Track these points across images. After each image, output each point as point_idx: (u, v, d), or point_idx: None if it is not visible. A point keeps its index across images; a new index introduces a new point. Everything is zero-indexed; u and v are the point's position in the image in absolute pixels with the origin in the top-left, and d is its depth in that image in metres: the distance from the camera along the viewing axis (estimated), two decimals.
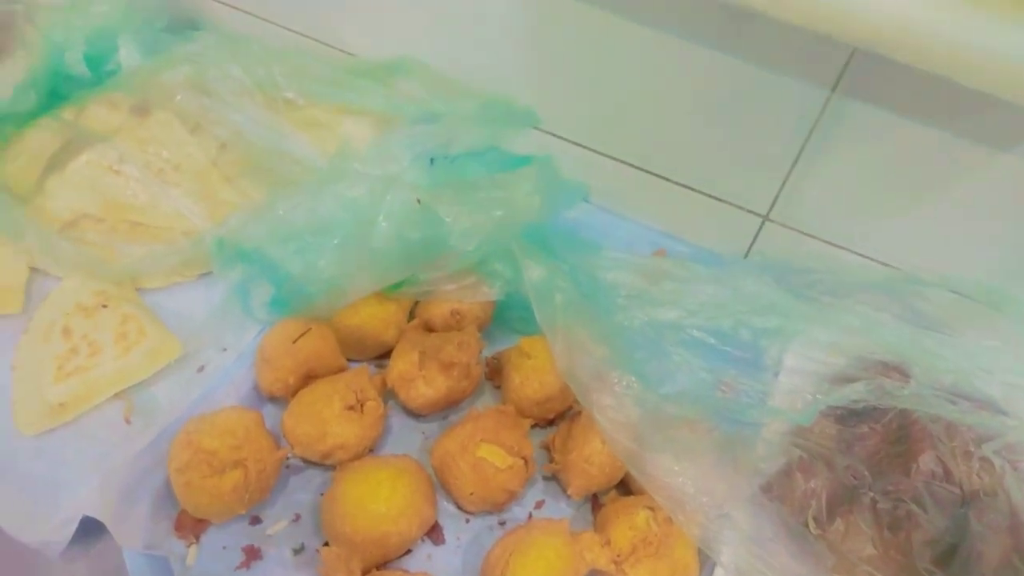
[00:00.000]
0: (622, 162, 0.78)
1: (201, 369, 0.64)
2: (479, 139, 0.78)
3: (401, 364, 0.59)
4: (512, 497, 0.56)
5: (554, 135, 0.79)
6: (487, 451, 0.55)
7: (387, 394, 0.61)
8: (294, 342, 0.59)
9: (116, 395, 0.60)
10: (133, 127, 0.75)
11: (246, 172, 0.75)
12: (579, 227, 0.75)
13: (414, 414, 0.62)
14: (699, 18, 0.64)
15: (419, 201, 0.56)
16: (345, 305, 0.60)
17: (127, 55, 0.79)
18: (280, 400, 0.61)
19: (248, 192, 0.74)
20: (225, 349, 0.64)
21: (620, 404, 0.57)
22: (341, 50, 0.84)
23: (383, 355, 0.65)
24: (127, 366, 0.61)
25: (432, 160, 0.74)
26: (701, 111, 0.71)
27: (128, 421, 0.60)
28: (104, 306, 0.64)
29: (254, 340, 0.64)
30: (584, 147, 0.78)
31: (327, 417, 0.56)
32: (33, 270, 0.67)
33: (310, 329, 0.60)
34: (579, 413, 0.58)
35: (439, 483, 0.57)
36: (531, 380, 0.59)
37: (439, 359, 0.58)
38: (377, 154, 0.72)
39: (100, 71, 0.79)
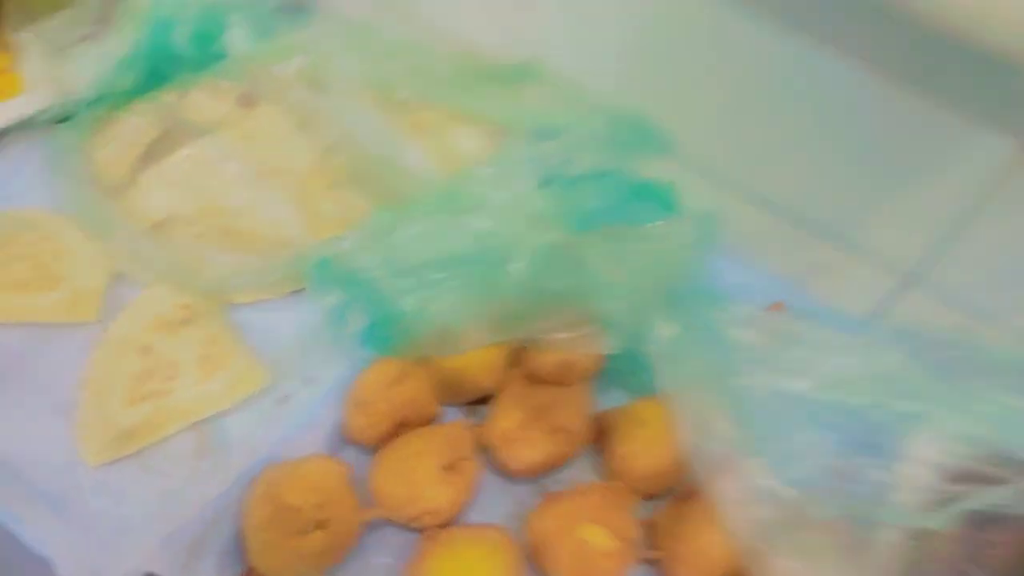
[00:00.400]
0: (749, 199, 0.68)
1: (283, 401, 0.58)
2: (603, 161, 0.70)
3: (504, 422, 0.52)
4: None
5: (678, 162, 0.70)
6: (590, 532, 0.48)
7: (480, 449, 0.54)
8: (391, 387, 0.53)
9: (190, 425, 0.55)
10: (237, 120, 0.69)
11: (350, 180, 0.68)
12: None
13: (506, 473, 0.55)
14: (884, 48, 0.55)
15: (563, 247, 0.49)
16: (455, 353, 0.53)
17: (236, 37, 0.73)
18: (364, 446, 0.55)
19: (350, 203, 0.67)
20: (310, 381, 0.58)
21: (748, 495, 0.49)
22: (464, 44, 0.76)
23: (476, 400, 0.58)
24: (207, 394, 0.56)
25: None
26: (859, 152, 0.62)
27: (201, 457, 0.54)
28: (188, 322, 0.59)
29: (343, 375, 0.58)
30: (709, 178, 0.69)
31: (420, 478, 0.49)
32: (114, 273, 0.62)
33: (408, 373, 0.53)
34: (691, 493, 0.50)
35: (532, 561, 0.50)
36: (643, 452, 0.52)
37: (548, 422, 0.51)
38: (498, 175, 0.64)
39: (206, 52, 0.74)
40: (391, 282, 0.52)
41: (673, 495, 0.52)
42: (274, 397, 0.58)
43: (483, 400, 0.57)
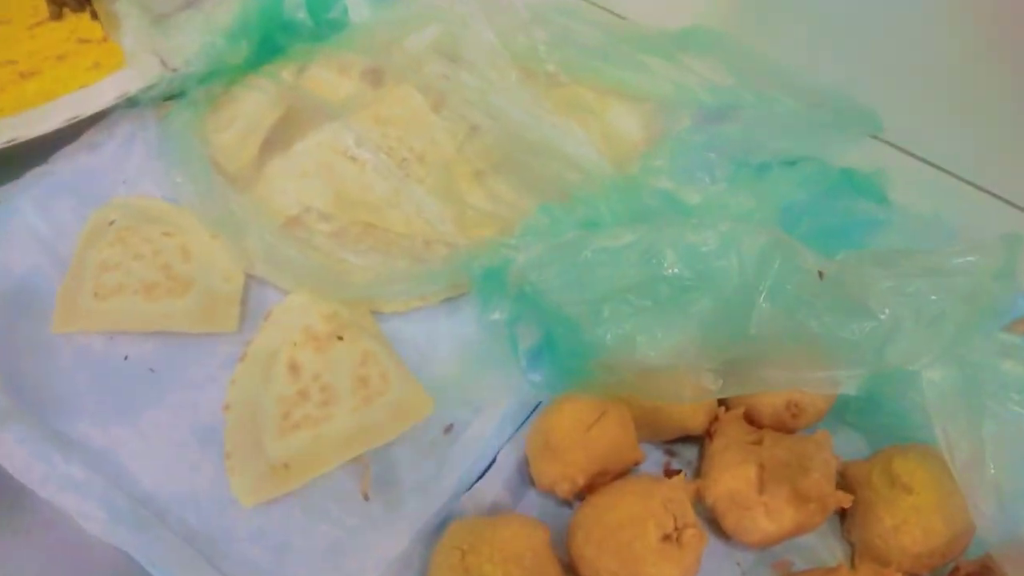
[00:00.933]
0: (987, 192, 0.58)
1: (448, 430, 0.50)
2: (795, 146, 0.60)
3: (731, 480, 0.44)
4: None
5: (893, 145, 0.60)
6: None
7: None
8: (589, 431, 0.45)
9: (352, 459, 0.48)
10: (368, 100, 0.60)
11: (499, 168, 0.60)
12: None
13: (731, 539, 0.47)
14: None
15: (821, 275, 0.39)
16: (671, 399, 0.45)
17: (356, 5, 0.64)
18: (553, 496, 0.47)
19: (501, 195, 0.59)
20: (478, 409, 0.51)
21: None
22: (615, 13, 0.66)
23: (676, 440, 0.51)
24: (367, 423, 0.49)
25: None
26: None
27: (366, 496, 0.47)
28: (340, 338, 0.51)
29: (516, 405, 0.50)
30: (935, 166, 0.59)
31: (639, 551, 0.41)
32: (248, 276, 0.55)
33: (607, 413, 0.45)
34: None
35: None
36: (911, 526, 0.42)
37: (793, 487, 0.42)
38: (676, 167, 0.55)
39: (322, 21, 0.65)
40: (584, 307, 0.43)
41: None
42: (439, 426, 0.51)
43: (684, 440, 0.50)
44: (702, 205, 0.50)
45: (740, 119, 0.61)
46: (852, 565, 0.46)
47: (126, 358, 0.52)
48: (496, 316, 0.51)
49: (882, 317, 0.37)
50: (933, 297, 0.38)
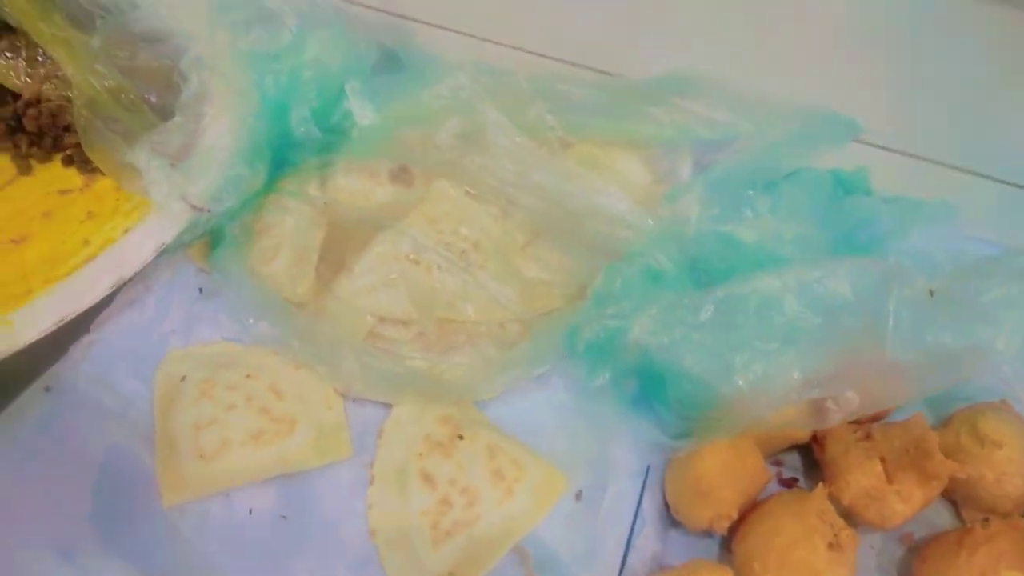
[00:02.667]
0: (966, 171, 0.66)
1: (579, 496, 0.53)
2: (790, 161, 0.67)
3: (863, 478, 0.49)
4: None
5: (871, 144, 0.68)
6: None
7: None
8: (732, 470, 0.49)
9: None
10: (409, 201, 0.61)
11: (540, 235, 0.62)
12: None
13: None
14: None
15: (932, 293, 0.45)
16: (812, 427, 0.49)
17: (359, 106, 0.65)
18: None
19: (551, 262, 0.62)
20: (600, 469, 0.53)
21: None
22: (604, 71, 0.70)
23: (781, 451, 0.55)
24: (515, 512, 0.50)
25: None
26: None
27: None
28: (460, 437, 0.52)
29: (635, 457, 0.53)
30: (917, 157, 0.67)
31: (816, 564, 0.45)
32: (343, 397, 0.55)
33: (743, 449, 0.49)
34: None
35: None
36: (1010, 475, 0.49)
37: (915, 470, 0.48)
38: (709, 201, 0.60)
39: (327, 129, 0.65)
40: (713, 362, 0.47)
41: None
42: (570, 496, 0.53)
43: (788, 450, 0.55)
44: (760, 241, 0.55)
45: (740, 148, 0.66)
46: (960, 519, 0.53)
47: (251, 512, 0.50)
48: (601, 381, 0.54)
49: (999, 323, 0.43)
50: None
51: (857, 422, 0.53)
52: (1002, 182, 0.64)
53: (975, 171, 0.64)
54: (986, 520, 0.48)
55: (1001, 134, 0.63)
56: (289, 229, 0.59)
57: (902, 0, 0.58)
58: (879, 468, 0.49)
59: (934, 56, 0.62)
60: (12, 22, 0.66)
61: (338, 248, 0.59)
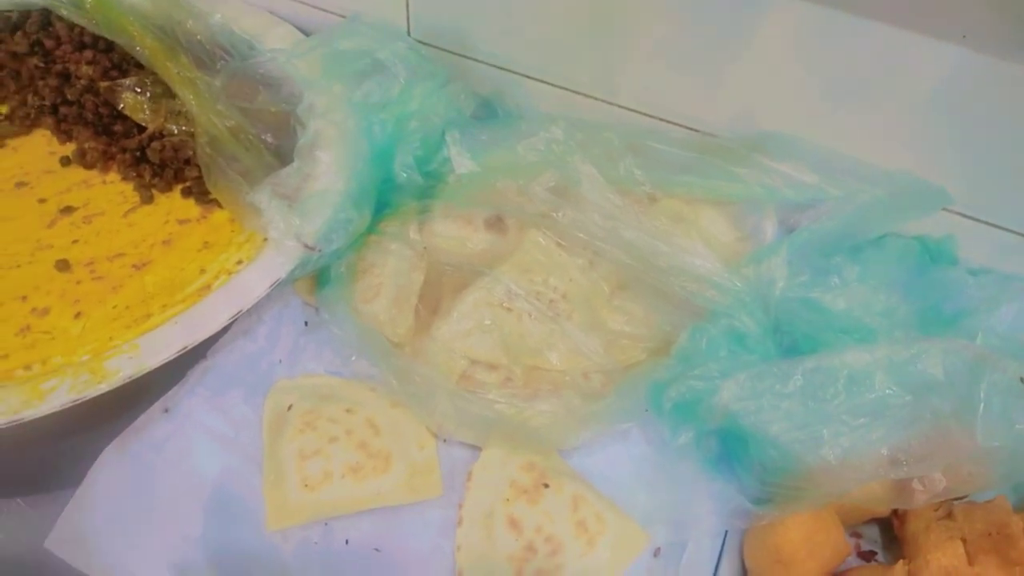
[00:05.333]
0: None
1: (657, 553, 0.54)
2: (878, 228, 0.68)
3: (943, 558, 0.50)
4: None
5: (962, 215, 0.68)
6: None
7: None
8: (814, 540, 0.50)
9: None
10: (502, 249, 0.65)
11: (624, 287, 0.65)
12: None
13: None
14: None
15: (1023, 380, 0.46)
16: (897, 505, 0.50)
17: (458, 155, 0.68)
18: None
19: (635, 315, 0.64)
20: (679, 527, 0.55)
21: None
22: (692, 128, 0.72)
23: (862, 523, 0.56)
24: (595, 565, 0.52)
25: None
26: None
27: None
28: (546, 485, 0.55)
29: (714, 519, 0.54)
30: (1005, 229, 0.67)
31: None
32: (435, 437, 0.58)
33: (825, 520, 0.51)
34: None
35: None
36: None
37: (999, 554, 0.49)
38: (793, 265, 0.61)
39: (425, 173, 0.69)
40: (801, 432, 0.49)
41: None
42: (649, 552, 0.54)
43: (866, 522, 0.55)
44: (848, 308, 0.56)
45: (824, 211, 0.67)
46: None
47: (347, 542, 0.54)
48: (683, 440, 0.55)
49: None
50: None
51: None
52: None
53: None
54: None
55: None
56: (391, 270, 0.63)
57: (996, 69, 0.58)
58: (961, 549, 0.50)
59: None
60: (142, 61, 0.72)
61: (436, 291, 0.63)
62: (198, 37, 0.75)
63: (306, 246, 0.61)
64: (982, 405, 0.45)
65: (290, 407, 0.58)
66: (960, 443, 0.46)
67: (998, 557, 0.49)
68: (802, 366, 0.50)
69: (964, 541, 0.50)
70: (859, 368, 0.48)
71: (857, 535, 0.56)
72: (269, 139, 0.69)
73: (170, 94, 0.73)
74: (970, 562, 0.50)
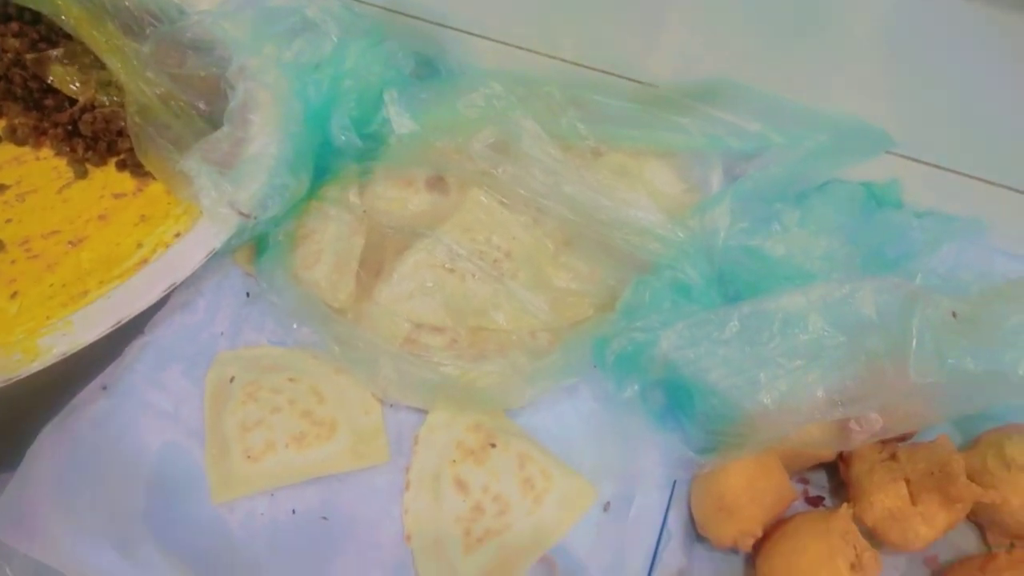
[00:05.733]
0: (1006, 187, 0.66)
1: (607, 507, 0.54)
2: (821, 173, 0.67)
3: (887, 499, 0.50)
4: None
5: (904, 156, 0.67)
6: None
7: None
8: (756, 486, 0.50)
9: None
10: (444, 210, 0.63)
11: (569, 244, 0.64)
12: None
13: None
14: None
15: (955, 315, 0.46)
16: (836, 447, 0.51)
17: (397, 115, 0.67)
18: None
19: (581, 272, 0.63)
20: (628, 481, 0.55)
21: None
22: (636, 80, 0.71)
23: (807, 469, 0.56)
24: (543, 522, 0.52)
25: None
26: None
27: None
28: (493, 445, 0.54)
29: (660, 470, 0.54)
30: (951, 170, 0.67)
31: None
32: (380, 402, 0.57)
33: (767, 465, 0.51)
34: None
35: None
36: None
37: (940, 492, 0.49)
38: (737, 214, 0.61)
39: (363, 136, 0.67)
40: (738, 378, 0.48)
41: None
42: (599, 507, 0.54)
43: (814, 468, 0.56)
44: (788, 255, 0.56)
45: (771, 159, 0.67)
46: (985, 542, 0.54)
47: (294, 512, 0.53)
48: (629, 393, 0.55)
49: (1021, 348, 0.44)
50: None
51: (882, 442, 0.54)
52: None
53: (1008, 185, 0.64)
54: (1011, 546, 0.48)
55: None
56: (330, 236, 0.62)
57: (937, 11, 0.58)
58: (904, 490, 0.50)
59: (967, 68, 0.61)
60: (69, 30, 0.69)
61: (377, 255, 0.61)
62: (126, 3, 0.72)
63: (241, 213, 0.59)
64: (914, 342, 0.45)
65: (232, 379, 0.57)
66: (895, 382, 0.46)
67: (940, 495, 0.49)
68: (739, 312, 0.50)
69: (907, 481, 0.51)
70: (794, 311, 0.48)
71: (805, 481, 0.56)
72: (201, 106, 0.67)
73: (100, 64, 0.70)
74: (913, 501, 0.50)
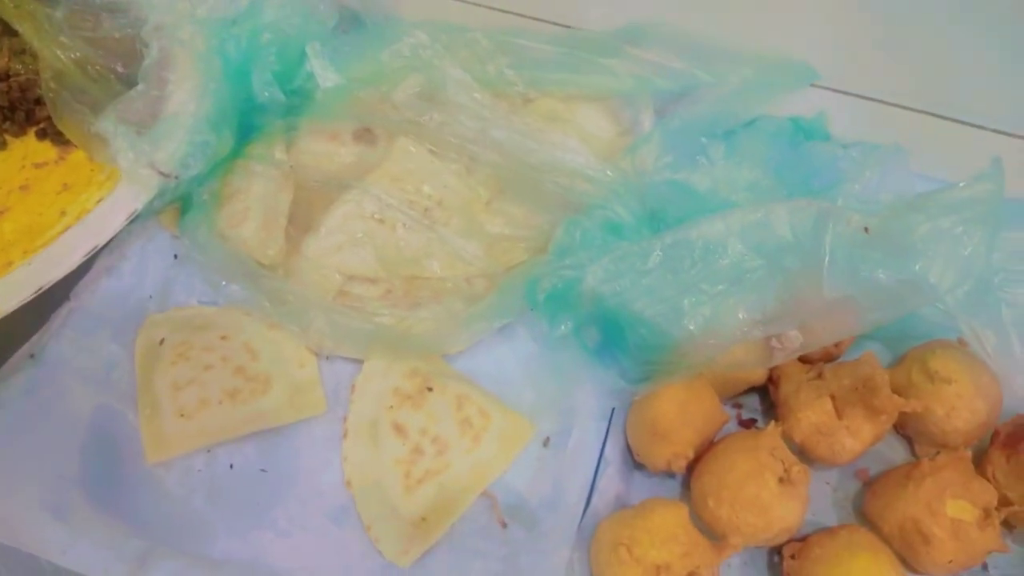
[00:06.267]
0: (927, 113, 0.67)
1: (547, 443, 0.55)
2: (747, 109, 0.68)
3: (813, 415, 0.51)
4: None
5: (833, 89, 0.68)
6: (957, 509, 0.48)
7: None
8: (687, 410, 0.51)
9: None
10: (372, 161, 0.63)
11: (504, 191, 0.64)
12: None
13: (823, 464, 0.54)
14: None
15: (867, 230, 0.46)
16: (758, 366, 0.51)
17: (321, 68, 0.65)
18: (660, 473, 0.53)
19: (516, 217, 0.63)
20: (565, 415, 0.55)
21: None
22: (563, 24, 0.71)
23: (740, 394, 0.57)
24: (483, 459, 0.53)
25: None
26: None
27: (504, 524, 0.52)
28: (429, 389, 0.55)
29: (597, 402, 0.55)
30: (872, 99, 0.67)
31: (767, 499, 0.47)
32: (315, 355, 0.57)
33: (697, 390, 0.51)
34: (1015, 436, 0.51)
35: (900, 551, 0.50)
36: (959, 410, 0.51)
37: (864, 406, 0.50)
38: (666, 152, 0.61)
39: (290, 92, 0.66)
40: (663, 306, 0.49)
41: (994, 443, 0.53)
42: (538, 442, 0.55)
43: (748, 392, 0.57)
44: (714, 187, 0.57)
45: (699, 97, 0.67)
46: (913, 454, 0.55)
47: (232, 467, 0.53)
48: (563, 330, 0.56)
49: (929, 256, 0.45)
50: (960, 229, 0.46)
51: (810, 361, 0.56)
52: (957, 121, 0.65)
53: (929, 111, 0.65)
54: (937, 454, 0.50)
55: (954, 73, 0.63)
56: (257, 193, 0.61)
57: None
58: (829, 405, 0.51)
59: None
60: None
61: (306, 210, 0.61)
62: None
63: (161, 173, 0.58)
64: (827, 258, 0.46)
65: (162, 341, 0.56)
66: (811, 298, 0.47)
67: (864, 408, 0.51)
68: (661, 242, 0.50)
69: (833, 398, 0.52)
70: (714, 237, 0.49)
71: (738, 405, 0.58)
72: (119, 68, 0.65)
73: (12, 32, 0.68)
74: (839, 416, 0.51)
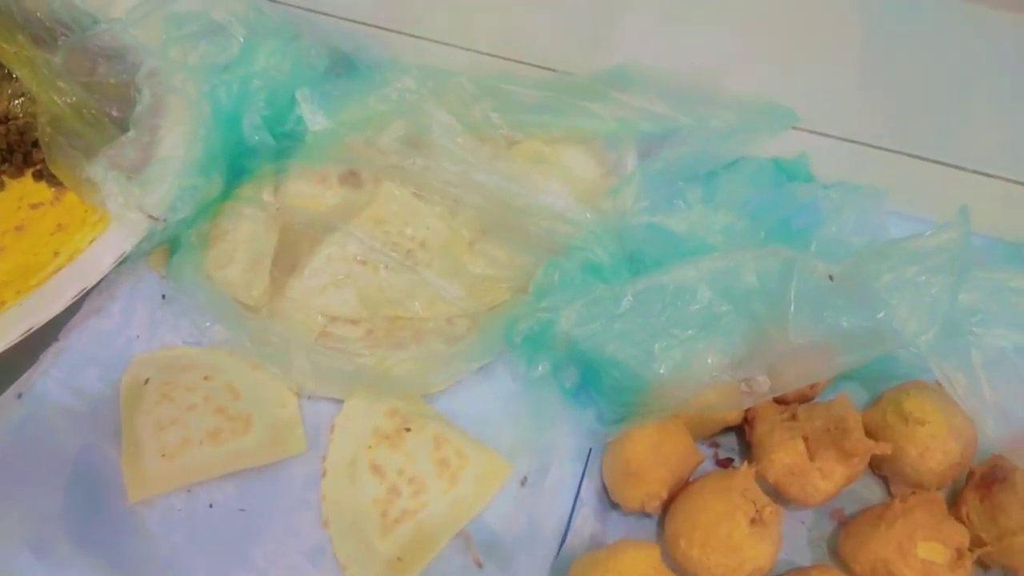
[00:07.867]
0: (906, 155, 0.68)
1: (524, 482, 0.56)
2: (729, 151, 0.69)
3: (786, 456, 0.52)
4: None
5: (814, 132, 0.70)
6: (928, 551, 0.48)
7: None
8: (660, 451, 0.51)
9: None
10: (357, 204, 0.64)
11: (487, 233, 0.65)
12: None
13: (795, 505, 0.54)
14: None
15: (831, 278, 0.47)
16: (728, 408, 0.52)
17: (310, 112, 0.67)
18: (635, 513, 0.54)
19: (498, 257, 0.64)
20: (541, 454, 0.56)
21: None
22: (548, 68, 0.72)
23: (716, 434, 0.58)
24: (459, 499, 0.53)
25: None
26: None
27: (479, 564, 0.52)
28: (408, 429, 0.55)
29: (574, 442, 0.56)
30: (853, 141, 0.69)
31: (738, 540, 0.48)
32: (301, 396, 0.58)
33: (670, 430, 0.52)
34: (998, 478, 0.52)
35: None
36: (933, 451, 0.51)
37: (837, 448, 0.51)
38: (645, 195, 0.62)
39: (280, 136, 0.68)
40: (634, 349, 0.50)
41: (968, 483, 0.53)
42: (515, 481, 0.55)
43: (723, 432, 0.57)
44: (690, 230, 0.58)
45: (681, 140, 0.68)
46: (889, 494, 0.56)
47: (211, 506, 0.54)
48: (540, 371, 0.56)
49: (892, 304, 0.46)
50: (923, 278, 0.46)
51: (785, 402, 0.56)
52: (937, 162, 0.66)
53: (907, 152, 0.66)
54: (912, 495, 0.50)
55: (934, 115, 0.64)
56: (244, 235, 0.62)
57: None
58: (801, 446, 0.52)
59: (868, 42, 0.63)
60: None
61: (291, 252, 0.62)
62: (37, 14, 0.73)
63: (150, 217, 0.59)
64: (792, 305, 0.46)
65: (147, 381, 0.57)
66: (777, 343, 0.47)
67: (836, 450, 0.51)
68: (633, 287, 0.51)
69: (806, 439, 0.52)
70: (684, 282, 0.50)
71: (715, 445, 0.58)
72: (114, 112, 0.68)
73: (12, 76, 0.70)
74: (811, 457, 0.52)
